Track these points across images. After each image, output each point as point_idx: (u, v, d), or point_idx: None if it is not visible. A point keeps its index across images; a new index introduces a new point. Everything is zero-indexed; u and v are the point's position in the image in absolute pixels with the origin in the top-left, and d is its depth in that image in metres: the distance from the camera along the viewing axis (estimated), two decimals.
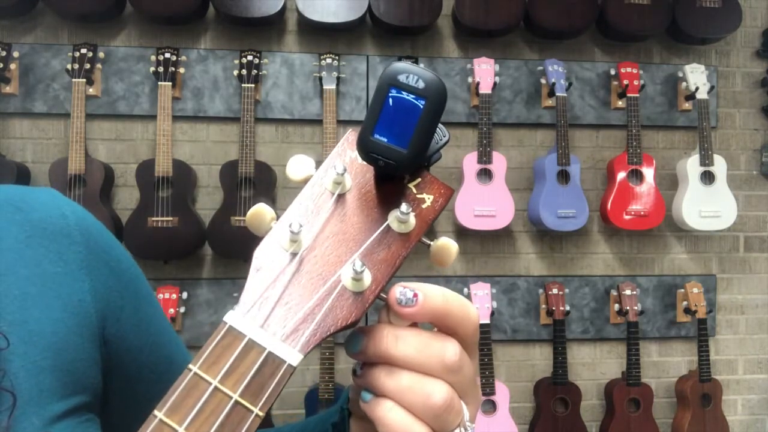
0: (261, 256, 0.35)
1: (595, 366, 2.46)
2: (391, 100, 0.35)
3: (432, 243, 0.37)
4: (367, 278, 0.35)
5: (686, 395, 2.30)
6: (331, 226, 0.36)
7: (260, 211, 0.36)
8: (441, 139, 0.38)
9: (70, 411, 0.43)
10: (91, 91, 2.20)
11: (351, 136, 0.39)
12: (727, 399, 2.47)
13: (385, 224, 0.36)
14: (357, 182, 0.38)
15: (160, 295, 2.10)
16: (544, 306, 2.38)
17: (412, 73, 0.35)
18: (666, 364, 2.49)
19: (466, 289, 2.27)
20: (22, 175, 2.16)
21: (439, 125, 0.38)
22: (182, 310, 2.14)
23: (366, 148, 0.36)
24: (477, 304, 2.21)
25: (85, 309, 0.46)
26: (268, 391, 0.32)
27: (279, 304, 0.34)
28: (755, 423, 2.54)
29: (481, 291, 2.22)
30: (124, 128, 2.28)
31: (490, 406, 2.18)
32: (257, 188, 2.15)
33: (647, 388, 2.29)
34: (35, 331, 0.43)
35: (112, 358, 0.49)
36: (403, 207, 0.36)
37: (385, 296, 0.35)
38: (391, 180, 0.38)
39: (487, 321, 2.19)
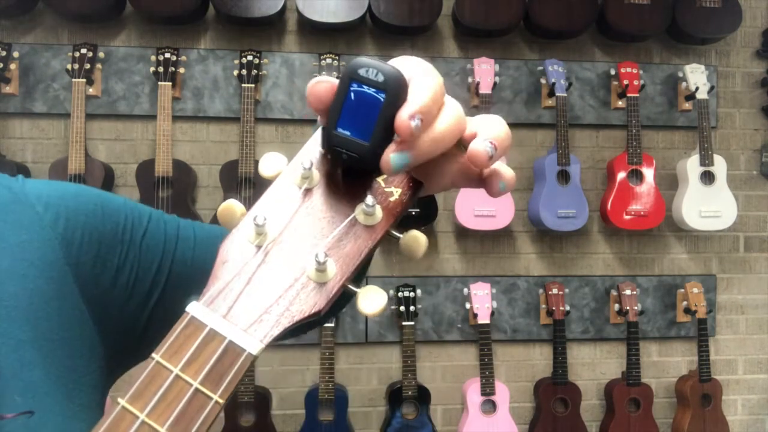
0: (227, 248, 0.36)
1: (595, 366, 2.46)
2: (352, 94, 0.35)
3: (401, 236, 0.38)
4: (332, 269, 0.35)
5: (686, 395, 2.30)
6: (298, 219, 0.37)
7: (230, 206, 0.37)
8: None
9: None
10: (91, 91, 2.20)
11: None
12: (727, 399, 2.46)
13: (351, 217, 0.37)
14: (326, 177, 0.39)
15: None
16: (544, 306, 2.38)
17: (372, 67, 0.35)
18: (666, 364, 2.49)
19: (466, 289, 2.27)
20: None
21: None
22: None
23: (330, 142, 0.36)
24: (477, 304, 2.21)
25: (60, 270, 0.45)
26: (228, 379, 0.33)
27: (243, 295, 0.35)
28: (755, 423, 2.54)
29: (481, 291, 2.22)
30: (124, 128, 2.28)
31: (490, 406, 2.18)
32: (257, 188, 2.15)
33: (647, 388, 2.29)
34: (12, 306, 0.42)
35: (101, 311, 0.48)
36: (369, 200, 0.36)
37: (351, 287, 0.36)
38: (360, 174, 0.38)
39: (487, 321, 2.19)
